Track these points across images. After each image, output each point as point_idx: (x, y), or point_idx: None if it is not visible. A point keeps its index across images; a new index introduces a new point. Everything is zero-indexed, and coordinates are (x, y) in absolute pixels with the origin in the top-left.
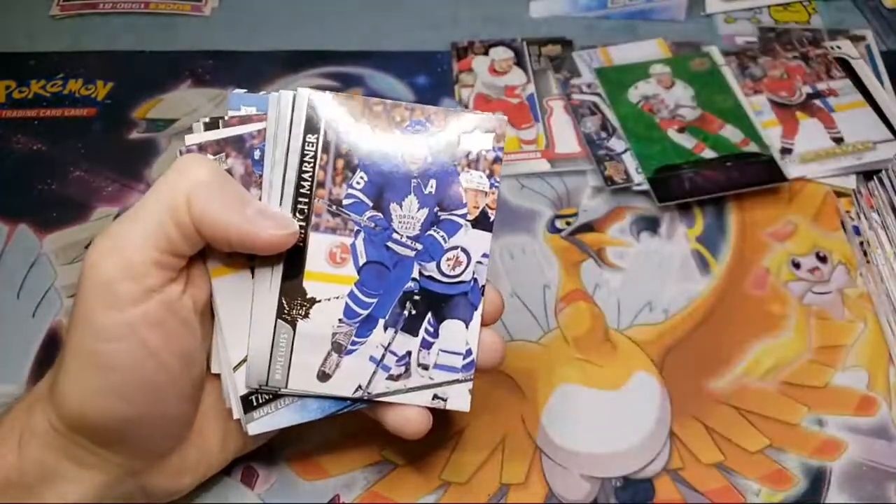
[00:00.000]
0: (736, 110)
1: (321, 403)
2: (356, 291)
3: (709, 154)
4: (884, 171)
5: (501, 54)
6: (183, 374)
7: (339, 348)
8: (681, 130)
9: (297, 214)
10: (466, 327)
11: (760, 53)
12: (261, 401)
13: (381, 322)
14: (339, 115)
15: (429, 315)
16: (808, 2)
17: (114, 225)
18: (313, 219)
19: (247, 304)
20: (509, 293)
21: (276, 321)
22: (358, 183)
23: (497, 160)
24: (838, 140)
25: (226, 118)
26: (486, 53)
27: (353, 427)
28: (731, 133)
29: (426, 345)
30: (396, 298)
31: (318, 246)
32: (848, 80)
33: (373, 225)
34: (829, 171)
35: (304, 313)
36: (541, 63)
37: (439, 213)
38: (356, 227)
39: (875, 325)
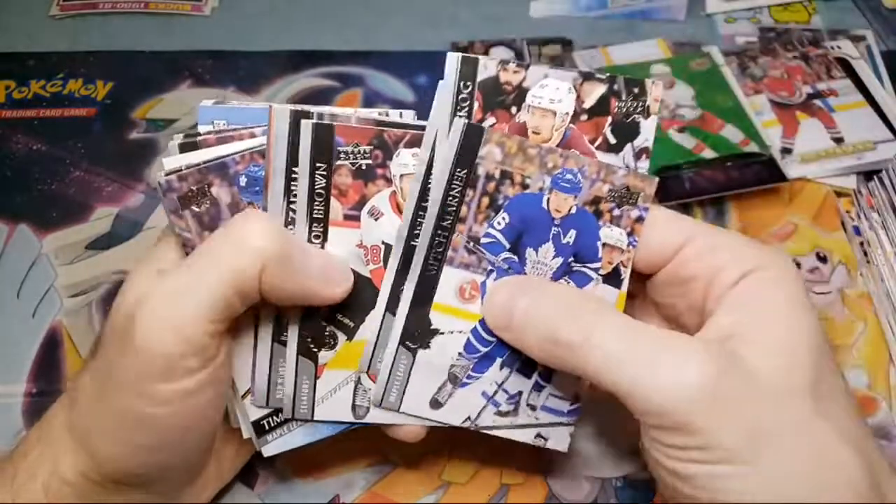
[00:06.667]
0: (736, 110)
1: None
2: (479, 329)
3: (709, 154)
4: (884, 171)
5: (501, 54)
6: (218, 414)
7: (454, 380)
8: (681, 130)
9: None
10: (578, 378)
11: (760, 53)
12: (273, 424)
13: (499, 361)
14: (493, 153)
15: None
16: (808, 2)
17: (168, 290)
18: (449, 253)
19: (250, 336)
20: None
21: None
22: (499, 224)
23: (640, 220)
24: (838, 140)
25: (201, 135)
26: (486, 53)
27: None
28: (732, 133)
29: (538, 387)
30: None
31: (450, 279)
32: (848, 80)
33: (506, 267)
34: (829, 171)
35: (426, 343)
36: (541, 63)
37: (573, 264)
38: (489, 267)
39: (875, 325)
